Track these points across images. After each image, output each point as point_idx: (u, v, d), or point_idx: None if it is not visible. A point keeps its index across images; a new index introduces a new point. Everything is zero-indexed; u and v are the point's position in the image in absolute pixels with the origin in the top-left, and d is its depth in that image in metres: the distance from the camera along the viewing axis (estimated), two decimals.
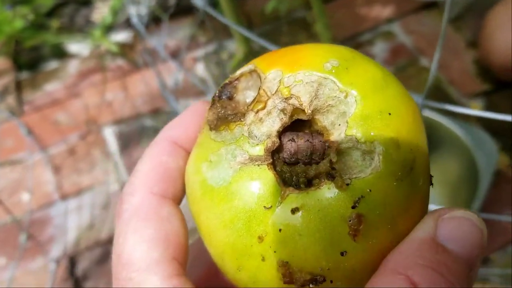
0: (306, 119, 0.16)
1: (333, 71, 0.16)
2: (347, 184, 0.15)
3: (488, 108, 0.82)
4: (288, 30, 0.97)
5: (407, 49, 0.92)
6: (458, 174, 0.69)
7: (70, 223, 0.77)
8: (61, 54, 0.98)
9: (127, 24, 1.00)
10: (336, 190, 0.15)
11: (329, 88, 0.16)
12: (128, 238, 0.17)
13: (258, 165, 0.16)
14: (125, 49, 0.97)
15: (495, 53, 0.77)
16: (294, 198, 0.15)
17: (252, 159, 0.16)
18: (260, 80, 0.17)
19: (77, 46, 1.00)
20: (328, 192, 0.15)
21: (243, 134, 0.16)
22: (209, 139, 0.17)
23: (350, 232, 0.15)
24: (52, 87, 0.94)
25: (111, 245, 0.75)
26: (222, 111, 0.17)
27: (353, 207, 0.15)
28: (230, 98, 0.18)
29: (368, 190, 0.15)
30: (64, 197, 0.80)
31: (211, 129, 0.17)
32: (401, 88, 0.17)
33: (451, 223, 0.15)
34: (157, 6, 1.00)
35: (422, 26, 0.94)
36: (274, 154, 0.16)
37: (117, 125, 0.88)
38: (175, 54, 0.97)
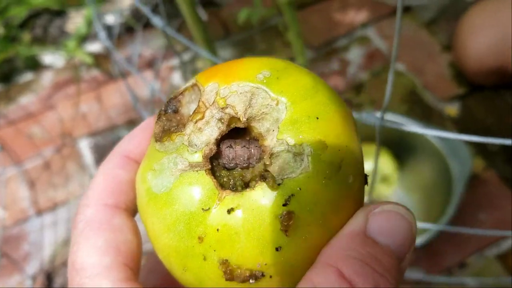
0: (243, 127, 0.17)
1: (265, 81, 0.17)
2: (279, 184, 0.16)
3: (463, 112, 0.82)
4: (263, 37, 0.97)
5: (382, 54, 0.92)
6: (433, 180, 0.69)
7: (46, 239, 0.76)
8: (35, 66, 0.97)
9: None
10: (269, 190, 0.16)
11: (262, 97, 0.17)
12: (81, 246, 0.18)
13: (197, 171, 0.17)
14: (99, 60, 0.96)
15: (468, 58, 0.77)
16: (231, 199, 0.16)
17: (192, 166, 0.17)
18: (200, 92, 0.18)
19: (51, 58, 0.99)
20: (261, 192, 0.16)
21: (183, 143, 0.17)
22: (154, 150, 0.18)
23: (282, 228, 0.16)
24: (26, 100, 0.93)
25: None
26: (168, 124, 0.18)
27: (284, 205, 0.16)
28: (176, 111, 0.19)
29: (298, 189, 0.16)
30: (40, 212, 0.79)
31: (156, 140, 0.18)
32: (331, 94, 0.18)
33: (380, 217, 0.16)
34: (130, 15, 0.99)
35: None
36: (214, 161, 0.17)
37: (92, 137, 0.87)
38: (151, 63, 0.96)
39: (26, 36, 0.98)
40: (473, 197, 0.74)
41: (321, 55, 0.93)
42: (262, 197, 0.16)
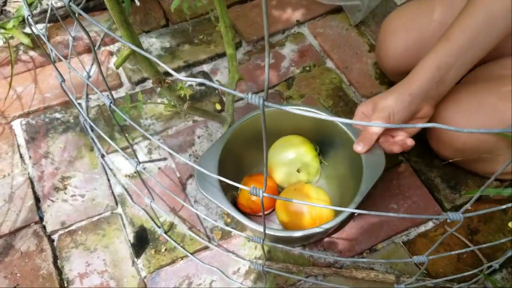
0: None
1: None
2: None
3: None
4: (201, 28, 0.99)
5: (314, 51, 0.96)
6: (349, 171, 0.73)
7: None
8: None
9: (43, 16, 0.99)
10: None
11: None
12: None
13: None
14: (39, 41, 0.96)
15: (387, 58, 0.82)
16: None
17: None
18: None
19: None
20: None
21: None
22: None
23: None
24: None
25: (13, 237, 0.74)
26: None
27: None
28: None
29: None
30: None
31: None
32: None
33: None
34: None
35: (328, 29, 0.99)
36: None
37: (25, 118, 0.87)
38: (90, 48, 0.97)
39: None
40: (387, 188, 0.79)
41: (257, 48, 0.97)
42: None
